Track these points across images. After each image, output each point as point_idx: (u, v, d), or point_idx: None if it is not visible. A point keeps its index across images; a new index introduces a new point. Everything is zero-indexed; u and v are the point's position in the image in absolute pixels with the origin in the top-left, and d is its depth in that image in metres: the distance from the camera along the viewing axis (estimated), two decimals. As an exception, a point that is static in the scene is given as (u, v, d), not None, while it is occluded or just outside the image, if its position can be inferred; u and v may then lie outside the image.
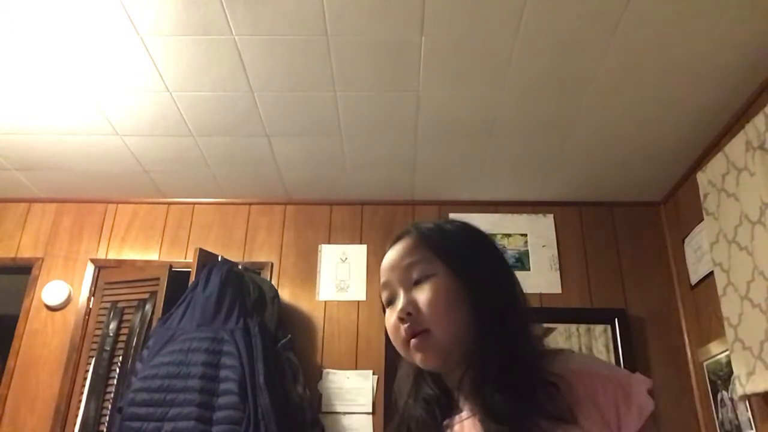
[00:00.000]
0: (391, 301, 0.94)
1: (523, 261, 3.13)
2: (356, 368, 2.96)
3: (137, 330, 2.86)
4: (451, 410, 0.90)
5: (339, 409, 2.88)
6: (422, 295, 0.89)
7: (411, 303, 0.89)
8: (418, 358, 0.89)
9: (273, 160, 2.94)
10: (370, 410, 2.86)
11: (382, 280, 0.96)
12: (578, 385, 0.79)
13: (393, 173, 3.06)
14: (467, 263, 0.91)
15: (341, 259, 3.20)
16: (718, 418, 2.60)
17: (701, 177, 2.62)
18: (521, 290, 0.94)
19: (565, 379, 0.79)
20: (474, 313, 0.88)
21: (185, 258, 3.16)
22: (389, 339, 0.95)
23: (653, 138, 2.70)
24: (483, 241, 0.98)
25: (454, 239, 0.95)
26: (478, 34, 2.12)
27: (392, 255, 0.96)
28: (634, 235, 3.19)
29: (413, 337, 0.88)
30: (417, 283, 0.91)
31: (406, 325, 0.89)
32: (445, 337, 0.87)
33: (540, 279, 3.09)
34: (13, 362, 3.00)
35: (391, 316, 0.92)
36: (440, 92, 2.44)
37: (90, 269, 3.18)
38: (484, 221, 3.14)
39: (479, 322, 0.87)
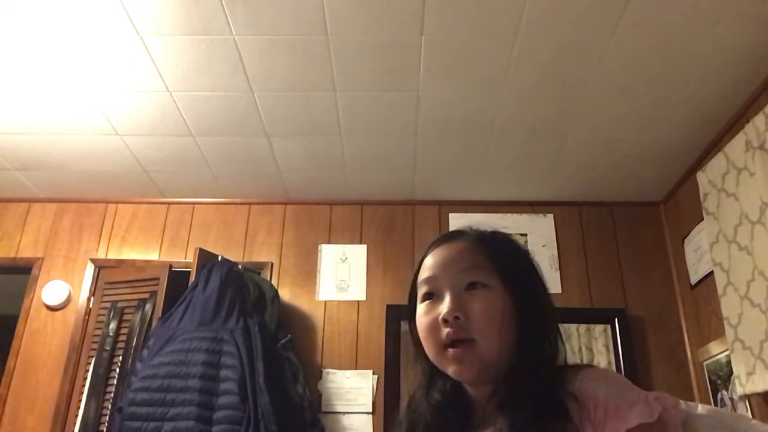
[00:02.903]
0: (431, 296, 0.90)
1: (523, 261, 3.13)
2: (356, 368, 2.96)
3: (137, 330, 2.86)
4: (469, 423, 0.88)
5: (339, 409, 2.88)
6: (477, 304, 0.86)
7: (461, 308, 0.86)
8: (452, 368, 0.86)
9: (273, 160, 2.94)
10: (370, 410, 2.86)
11: (428, 274, 0.91)
12: (583, 407, 0.77)
13: (393, 173, 3.06)
14: (520, 282, 0.89)
15: (341, 259, 3.20)
16: (718, 418, 2.60)
17: (701, 177, 2.62)
18: (554, 308, 0.93)
19: (577, 400, 0.78)
20: (518, 334, 0.86)
21: (185, 258, 3.16)
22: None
23: (653, 138, 2.70)
24: (529, 259, 0.96)
25: (509, 254, 0.93)
26: (478, 34, 2.12)
27: (446, 253, 0.92)
28: (634, 235, 3.19)
29: (453, 345, 0.85)
30: (469, 288, 0.87)
31: (449, 329, 0.85)
32: (490, 352, 0.84)
33: (540, 279, 3.08)
34: (13, 362, 3.00)
35: (428, 312, 0.89)
36: (440, 92, 2.44)
37: (90, 269, 3.18)
38: (484, 221, 3.13)
39: (521, 342, 0.86)
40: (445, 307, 0.87)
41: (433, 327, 0.88)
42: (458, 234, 0.95)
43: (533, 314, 0.88)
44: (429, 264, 0.93)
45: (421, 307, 0.91)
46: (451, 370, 0.87)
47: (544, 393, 0.79)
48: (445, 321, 0.86)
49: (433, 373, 0.93)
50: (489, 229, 0.98)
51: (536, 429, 0.76)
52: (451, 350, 0.86)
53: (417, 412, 0.92)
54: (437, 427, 0.89)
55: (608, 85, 2.35)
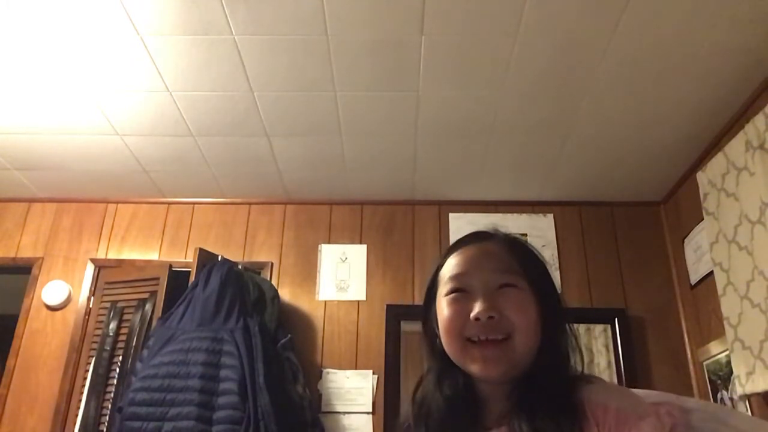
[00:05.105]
0: (459, 291, 0.90)
1: (523, 261, 3.14)
2: (356, 368, 2.96)
3: (137, 330, 2.86)
4: (481, 420, 0.88)
5: (339, 409, 2.88)
6: (511, 302, 0.87)
7: (496, 308, 0.86)
8: (476, 366, 0.86)
9: (273, 160, 2.95)
10: (370, 410, 2.86)
11: (457, 270, 0.91)
12: (591, 415, 0.79)
13: (393, 173, 3.06)
14: (544, 288, 0.91)
15: (341, 259, 3.20)
16: (718, 418, 2.60)
17: (701, 177, 2.62)
18: (568, 314, 0.95)
19: (585, 407, 0.80)
20: (542, 335, 0.88)
21: (185, 258, 3.16)
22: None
23: (653, 138, 2.70)
24: (546, 267, 0.98)
25: (535, 260, 0.95)
26: (478, 34, 2.12)
27: (477, 251, 0.93)
28: (634, 235, 3.19)
29: (483, 344, 0.86)
30: (502, 288, 0.88)
31: (479, 328, 0.86)
32: (523, 348, 0.86)
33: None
34: (13, 362, 3.00)
35: (456, 305, 0.89)
36: (440, 92, 2.44)
37: (90, 269, 3.18)
38: (484, 221, 3.14)
39: (543, 344, 0.88)
40: (478, 306, 0.87)
41: (460, 320, 0.88)
42: (488, 235, 0.96)
43: (554, 320, 0.90)
44: (457, 261, 0.93)
45: (445, 300, 0.91)
46: (475, 368, 0.87)
47: (559, 396, 0.81)
48: (477, 320, 0.86)
49: (445, 369, 0.92)
50: (512, 234, 1.00)
51: (551, 430, 0.78)
52: (478, 348, 0.86)
53: (429, 407, 0.92)
54: (450, 422, 0.89)
55: (608, 85, 2.35)
